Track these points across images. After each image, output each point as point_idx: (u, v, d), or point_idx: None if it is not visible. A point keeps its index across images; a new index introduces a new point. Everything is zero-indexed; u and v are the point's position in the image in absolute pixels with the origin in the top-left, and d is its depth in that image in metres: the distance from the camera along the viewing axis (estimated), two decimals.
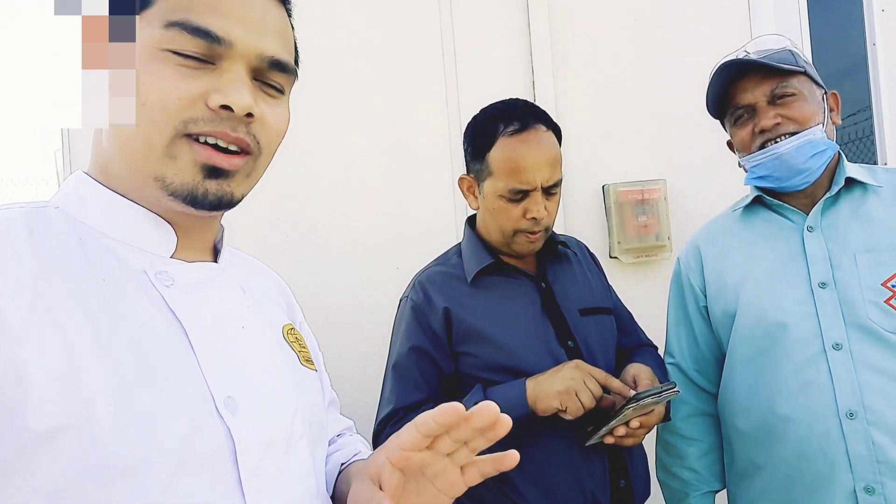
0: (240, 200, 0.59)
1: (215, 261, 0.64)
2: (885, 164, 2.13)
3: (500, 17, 1.90)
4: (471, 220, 1.28)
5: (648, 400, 1.02)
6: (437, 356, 1.15)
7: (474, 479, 0.60)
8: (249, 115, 0.55)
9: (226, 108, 0.54)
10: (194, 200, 0.55)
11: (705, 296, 1.23)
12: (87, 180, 0.58)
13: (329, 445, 0.78)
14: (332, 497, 0.70)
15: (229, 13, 0.54)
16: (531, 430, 1.08)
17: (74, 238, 0.54)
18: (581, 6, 1.95)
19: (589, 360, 1.15)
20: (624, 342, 1.29)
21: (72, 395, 0.45)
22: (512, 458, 0.58)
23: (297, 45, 0.67)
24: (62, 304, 0.48)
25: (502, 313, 1.15)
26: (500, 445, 0.60)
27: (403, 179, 1.82)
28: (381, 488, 0.57)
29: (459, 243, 1.28)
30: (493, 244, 1.20)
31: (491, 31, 1.89)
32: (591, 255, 1.36)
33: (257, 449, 0.54)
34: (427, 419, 0.54)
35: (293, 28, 0.65)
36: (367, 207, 1.80)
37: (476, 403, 0.98)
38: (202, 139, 0.54)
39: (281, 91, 0.61)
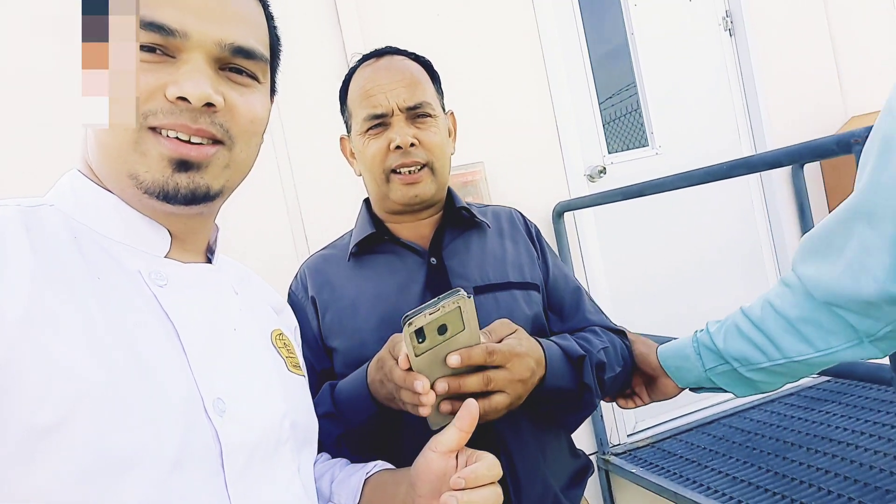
0: (219, 193, 0.58)
1: (209, 262, 0.63)
2: (652, 132, 2.58)
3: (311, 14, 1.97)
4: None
5: (422, 316, 0.68)
6: (307, 353, 0.97)
7: None
8: (209, 104, 0.54)
9: (183, 99, 0.53)
10: (167, 196, 0.55)
11: None
12: (82, 179, 0.57)
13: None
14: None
15: (183, 3, 0.54)
16: (393, 423, 0.88)
17: (70, 236, 0.53)
18: (387, 4, 2.09)
19: None
20: (559, 326, 1.04)
21: (68, 392, 0.45)
22: None
23: (278, 33, 0.66)
24: (59, 301, 0.48)
25: (373, 297, 0.97)
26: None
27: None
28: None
29: None
30: (381, 212, 1.05)
31: (302, 27, 1.96)
32: (527, 224, 1.13)
33: (243, 452, 0.54)
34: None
35: (270, 16, 0.64)
36: None
37: (324, 413, 0.86)
38: (164, 132, 0.54)
39: (254, 77, 0.60)
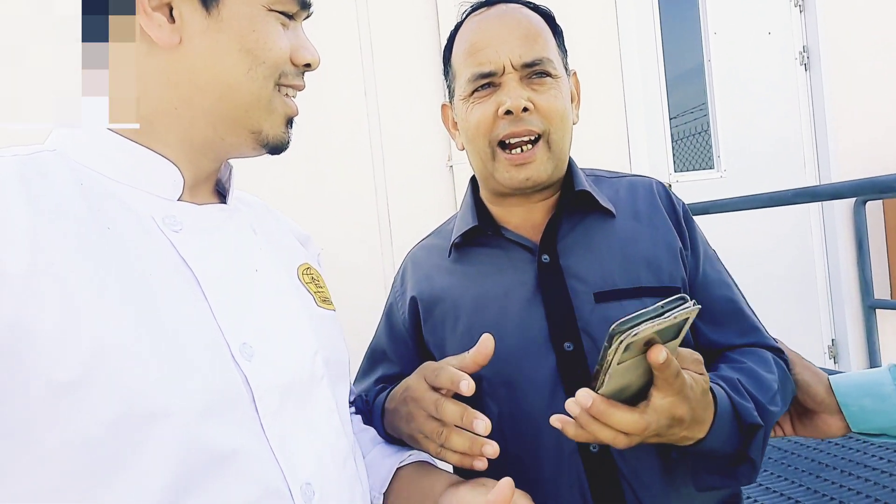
0: None
1: (223, 201, 0.62)
2: (719, 157, 2.68)
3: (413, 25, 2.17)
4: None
5: (646, 327, 0.55)
6: (396, 359, 0.90)
7: None
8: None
9: (307, 65, 0.60)
10: (278, 148, 0.60)
11: None
12: None
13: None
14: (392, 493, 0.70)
15: None
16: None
17: (75, 183, 0.51)
18: None
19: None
20: (717, 335, 0.82)
21: (85, 347, 0.44)
22: None
23: None
24: (66, 254, 0.47)
25: (474, 302, 0.83)
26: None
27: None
28: None
29: None
30: (487, 193, 0.88)
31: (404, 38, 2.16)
32: (672, 201, 0.88)
33: (276, 393, 0.54)
34: None
35: None
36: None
37: (358, 410, 0.79)
38: (285, 91, 0.59)
39: None
